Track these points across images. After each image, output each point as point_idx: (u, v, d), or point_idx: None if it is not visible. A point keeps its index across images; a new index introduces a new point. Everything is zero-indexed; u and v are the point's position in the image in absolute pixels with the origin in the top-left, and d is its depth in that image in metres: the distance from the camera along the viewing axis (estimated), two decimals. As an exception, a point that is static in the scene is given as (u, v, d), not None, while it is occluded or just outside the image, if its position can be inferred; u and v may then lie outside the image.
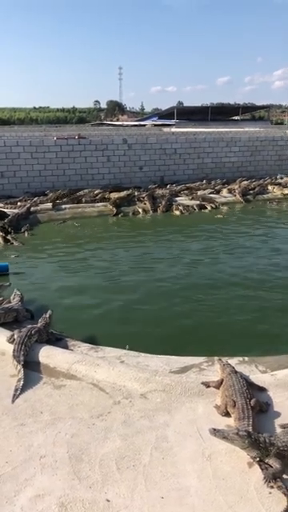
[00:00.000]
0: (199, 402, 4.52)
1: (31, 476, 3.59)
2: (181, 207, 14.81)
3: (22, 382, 4.82)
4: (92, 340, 6.21)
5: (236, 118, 68.80)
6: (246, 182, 18.24)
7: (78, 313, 7.30)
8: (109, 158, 17.56)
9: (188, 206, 15.10)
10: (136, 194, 15.86)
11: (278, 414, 4.31)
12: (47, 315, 6.20)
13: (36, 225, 13.21)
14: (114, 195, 15.61)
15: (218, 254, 10.60)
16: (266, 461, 3.56)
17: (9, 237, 11.59)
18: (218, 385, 4.63)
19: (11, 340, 5.54)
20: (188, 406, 4.45)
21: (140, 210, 14.72)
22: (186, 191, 16.91)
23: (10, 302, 6.97)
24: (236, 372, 4.66)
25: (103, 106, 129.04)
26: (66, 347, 5.82)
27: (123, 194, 15.75)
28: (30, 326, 5.78)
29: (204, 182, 18.27)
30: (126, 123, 62.70)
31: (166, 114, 64.57)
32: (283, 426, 4.07)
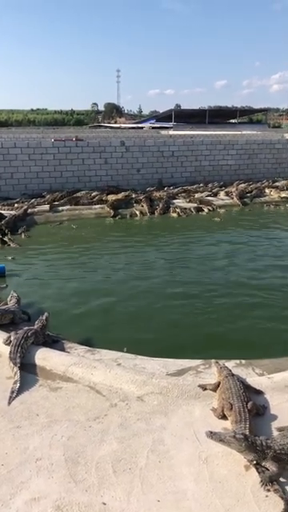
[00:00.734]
0: (196, 404, 4.51)
1: (27, 479, 3.58)
2: (178, 210, 14.82)
3: (18, 385, 4.80)
4: (88, 342, 6.20)
5: (233, 121, 68.93)
6: (243, 185, 18.26)
7: (74, 315, 7.28)
8: (106, 161, 17.57)
9: (185, 208, 15.12)
10: (133, 196, 15.85)
11: (274, 417, 4.31)
12: (44, 317, 6.19)
13: (33, 226, 13.20)
14: (112, 197, 15.61)
15: (214, 256, 10.60)
16: (263, 464, 3.56)
17: (5, 238, 11.56)
18: (215, 388, 4.63)
19: (7, 342, 5.52)
20: (185, 409, 4.44)
21: (137, 213, 14.72)
22: (183, 194, 16.92)
23: (6, 304, 6.96)
24: (233, 375, 4.66)
25: (101, 108, 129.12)
26: (62, 349, 5.80)
27: (120, 195, 15.75)
28: (26, 328, 5.77)
29: (201, 184, 18.28)
30: (123, 125, 62.74)
31: (164, 117, 64.59)
32: (280, 429, 4.06)
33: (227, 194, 17.23)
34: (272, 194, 17.75)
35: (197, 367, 5.39)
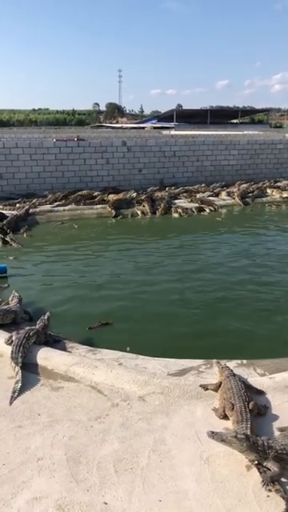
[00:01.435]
0: (197, 404, 4.51)
1: (28, 478, 3.58)
2: (180, 210, 14.81)
3: (19, 384, 4.81)
4: (90, 342, 6.21)
5: (235, 121, 68.87)
6: (245, 185, 18.25)
7: (76, 315, 7.29)
8: (108, 161, 17.58)
9: (187, 208, 15.11)
10: (135, 195, 15.84)
11: (276, 417, 4.31)
12: (45, 317, 6.19)
13: (35, 226, 13.21)
14: (113, 197, 15.61)
15: (216, 256, 10.60)
16: (265, 464, 3.56)
17: (7, 238, 11.57)
18: (217, 387, 4.63)
19: (9, 342, 5.53)
20: (186, 409, 4.44)
21: (139, 213, 14.72)
22: (184, 194, 16.92)
23: (8, 304, 6.97)
24: (234, 375, 4.66)
25: (103, 108, 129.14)
26: (64, 349, 5.81)
27: (121, 195, 15.74)
28: (28, 328, 5.77)
29: (203, 184, 18.27)
30: (125, 125, 62.74)
31: (166, 117, 64.57)
32: (281, 429, 4.06)
33: (229, 194, 17.21)
34: (274, 194, 17.74)
35: (198, 367, 5.39)
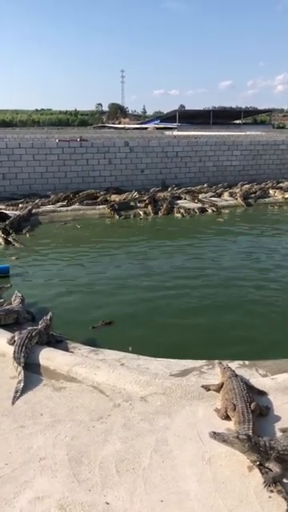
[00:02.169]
0: (199, 405, 4.51)
1: (31, 478, 3.59)
2: (182, 210, 14.81)
3: (22, 384, 4.82)
4: (92, 342, 6.21)
5: (238, 121, 68.84)
6: (247, 186, 18.24)
7: (78, 315, 7.30)
8: (110, 161, 17.59)
9: (189, 209, 15.11)
10: (137, 196, 15.84)
11: (278, 418, 4.31)
12: (48, 317, 6.20)
13: (37, 226, 13.23)
14: (115, 197, 15.60)
15: (218, 257, 10.60)
16: (266, 465, 3.56)
17: (10, 238, 11.59)
18: (219, 388, 4.63)
19: (12, 342, 5.54)
20: (188, 410, 4.44)
21: (141, 213, 14.72)
22: (187, 194, 16.90)
23: (10, 304, 6.98)
24: (236, 375, 4.66)
25: (105, 108, 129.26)
26: (66, 349, 5.81)
27: (123, 195, 15.73)
28: (30, 328, 5.78)
29: (205, 185, 18.27)
30: (127, 126, 62.79)
31: (168, 118, 64.58)
32: (283, 430, 4.06)
33: (231, 194, 17.21)
34: (276, 195, 17.72)
35: (200, 368, 5.39)
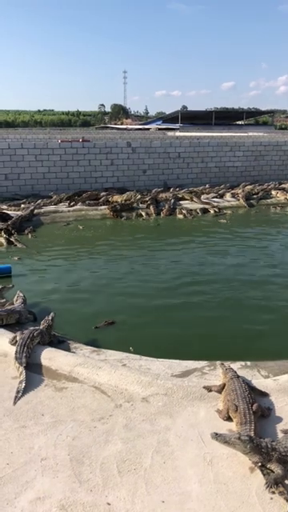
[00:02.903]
0: (201, 406, 4.51)
1: (32, 478, 3.59)
2: (184, 211, 14.80)
3: (23, 384, 4.82)
4: (94, 343, 6.21)
5: (240, 122, 68.87)
6: (249, 187, 18.22)
7: (80, 315, 7.30)
8: (112, 162, 17.60)
9: (191, 209, 15.10)
10: (139, 196, 15.83)
11: (279, 419, 4.30)
12: (50, 317, 6.21)
13: (39, 227, 13.24)
14: (117, 198, 15.60)
15: (221, 258, 10.59)
16: (268, 466, 3.55)
17: (12, 239, 11.60)
18: (220, 389, 4.63)
19: (13, 342, 5.55)
20: (190, 410, 4.44)
21: (143, 214, 14.71)
22: (189, 195, 16.87)
23: (12, 304, 6.98)
24: (238, 376, 4.65)
25: (108, 109, 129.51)
26: (68, 349, 5.82)
27: (124, 196, 15.72)
28: (32, 328, 5.79)
29: (207, 186, 18.27)
30: (130, 127, 62.88)
31: (170, 118, 64.72)
32: (285, 431, 4.06)
33: (233, 195, 17.20)
34: (278, 196, 17.69)
35: (202, 368, 5.39)
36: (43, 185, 16.72)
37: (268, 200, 17.37)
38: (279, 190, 18.24)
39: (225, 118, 66.63)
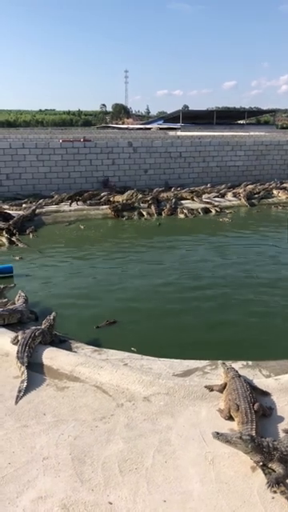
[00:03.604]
0: (202, 405, 4.51)
1: (34, 477, 3.59)
2: (185, 211, 14.79)
3: (25, 384, 4.82)
4: (95, 342, 6.22)
5: (241, 122, 68.80)
6: (250, 186, 18.21)
7: (81, 315, 7.30)
8: (114, 161, 17.61)
9: (193, 209, 15.09)
10: (140, 196, 15.83)
11: (281, 419, 4.30)
12: (51, 317, 6.21)
13: (41, 227, 13.25)
14: (118, 198, 15.60)
15: (222, 257, 10.59)
16: (270, 465, 3.55)
17: (13, 238, 11.62)
18: (222, 389, 4.63)
19: (15, 341, 5.56)
20: (191, 410, 4.44)
21: (144, 213, 14.70)
22: (191, 194, 16.86)
23: (14, 304, 6.99)
24: (240, 376, 4.65)
25: (109, 109, 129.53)
26: (69, 349, 5.82)
27: (125, 195, 15.71)
28: (33, 328, 5.79)
29: (209, 185, 18.26)
30: (131, 126, 62.84)
31: (172, 118, 64.62)
32: (286, 431, 4.05)
33: (235, 195, 17.19)
34: (280, 196, 17.68)
35: (203, 368, 5.39)
36: (44, 184, 16.74)
37: (269, 199, 17.36)
38: (281, 189, 18.23)
39: (226, 117, 66.51)
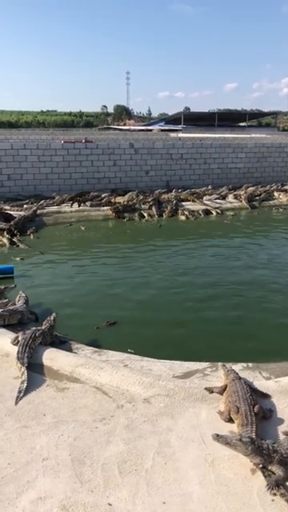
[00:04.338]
0: (202, 407, 4.50)
1: (33, 478, 3.59)
2: (186, 212, 14.79)
3: (25, 384, 4.82)
4: (95, 343, 6.22)
5: (243, 124, 68.91)
6: (252, 188, 18.21)
7: (82, 316, 7.31)
8: (115, 162, 17.62)
9: (193, 211, 15.09)
10: (141, 197, 15.83)
11: (281, 421, 4.29)
12: (52, 318, 6.21)
13: (42, 227, 13.26)
14: (119, 199, 15.61)
15: (223, 259, 10.59)
16: (269, 468, 3.54)
17: (14, 239, 11.62)
18: (222, 391, 4.62)
19: (15, 342, 5.55)
20: (191, 412, 4.44)
21: (145, 215, 14.70)
22: (192, 196, 16.86)
23: (14, 304, 6.99)
24: (240, 378, 4.65)
25: (110, 110, 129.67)
26: (69, 350, 5.82)
27: (126, 197, 15.72)
28: (34, 329, 5.79)
29: (210, 187, 18.26)
30: (133, 128, 62.95)
31: (173, 120, 64.79)
32: (286, 433, 4.05)
33: (236, 197, 17.19)
34: (281, 198, 17.68)
35: (203, 370, 5.39)
36: (46, 185, 16.75)
37: (270, 201, 17.36)
38: (282, 191, 18.24)
39: (227, 119, 66.65)
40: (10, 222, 12.51)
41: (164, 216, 14.71)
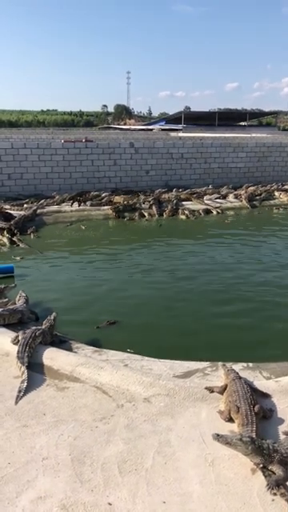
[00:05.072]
0: (203, 407, 4.50)
1: (33, 478, 3.59)
2: (187, 212, 14.79)
3: (25, 384, 4.82)
4: (96, 343, 6.21)
5: (243, 123, 68.87)
6: (252, 188, 18.20)
7: (82, 315, 7.30)
8: (115, 162, 17.61)
9: (194, 210, 15.08)
10: (142, 197, 15.82)
11: (281, 421, 4.29)
12: (52, 317, 6.21)
13: (42, 227, 13.25)
14: (119, 199, 15.60)
15: (224, 259, 10.58)
16: (270, 467, 3.54)
17: (15, 238, 11.62)
18: (222, 390, 4.62)
19: (15, 341, 5.55)
20: (191, 411, 4.43)
21: (146, 214, 14.69)
22: (192, 196, 16.85)
23: (14, 304, 6.99)
24: (240, 378, 4.65)
25: (111, 109, 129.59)
26: (69, 349, 5.82)
27: (126, 197, 15.71)
28: (34, 328, 5.79)
29: (210, 186, 18.25)
30: (133, 127, 62.93)
31: (174, 119, 64.73)
32: (287, 433, 4.04)
33: (236, 196, 17.18)
34: (281, 197, 17.67)
35: (204, 369, 5.39)
36: (46, 185, 16.74)
37: (271, 201, 17.35)
38: (282, 191, 18.22)
39: (228, 118, 66.58)
40: (10, 222, 12.50)
41: (164, 215, 14.70)
